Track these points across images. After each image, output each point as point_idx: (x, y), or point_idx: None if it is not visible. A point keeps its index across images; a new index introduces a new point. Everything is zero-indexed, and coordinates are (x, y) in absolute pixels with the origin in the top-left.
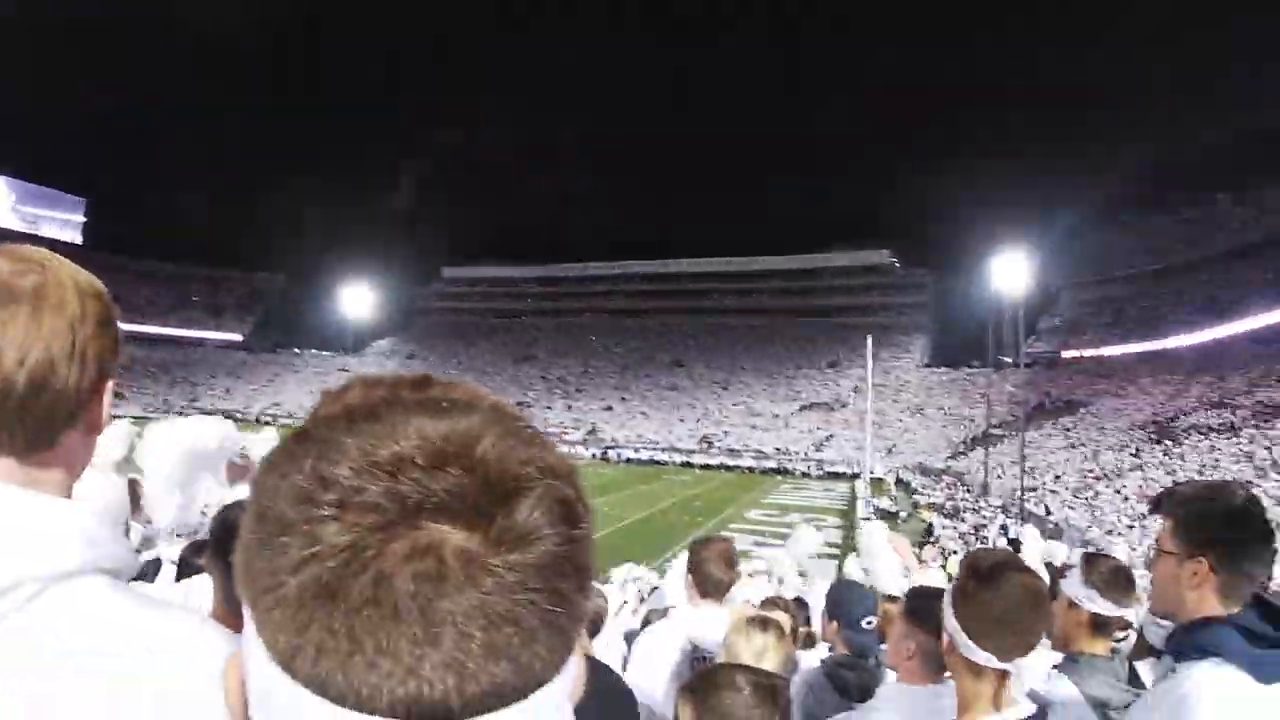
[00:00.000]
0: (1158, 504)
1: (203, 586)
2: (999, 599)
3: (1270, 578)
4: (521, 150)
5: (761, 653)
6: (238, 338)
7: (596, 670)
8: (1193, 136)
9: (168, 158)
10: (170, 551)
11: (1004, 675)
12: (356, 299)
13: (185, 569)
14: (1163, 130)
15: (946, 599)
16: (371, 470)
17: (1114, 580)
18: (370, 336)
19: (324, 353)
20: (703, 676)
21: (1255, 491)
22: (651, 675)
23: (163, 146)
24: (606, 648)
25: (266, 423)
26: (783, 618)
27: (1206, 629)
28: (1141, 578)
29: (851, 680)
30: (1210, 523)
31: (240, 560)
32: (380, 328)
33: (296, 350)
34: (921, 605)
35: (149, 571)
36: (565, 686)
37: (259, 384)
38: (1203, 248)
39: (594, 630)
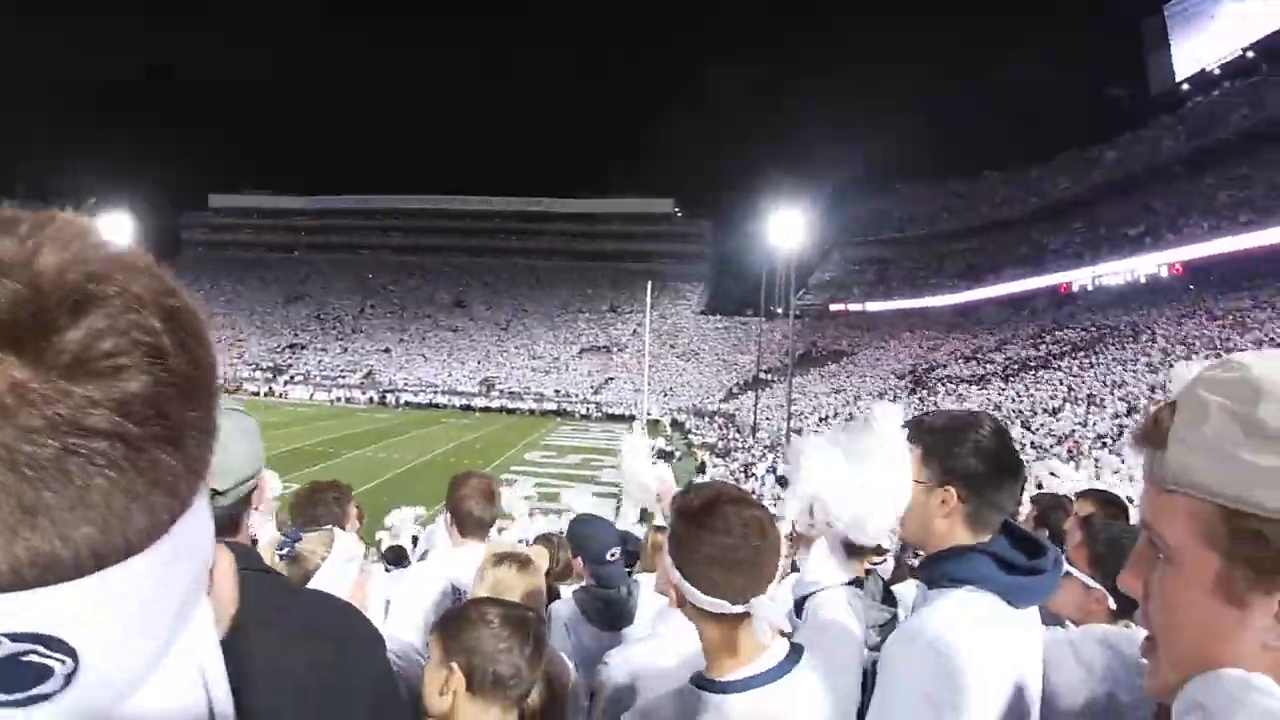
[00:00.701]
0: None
1: None
2: (715, 539)
3: (1020, 505)
4: (297, 72)
5: (505, 587)
6: None
7: (328, 608)
8: (967, 118)
9: None
10: None
11: (743, 618)
12: (114, 228)
13: None
14: (939, 110)
15: (667, 549)
16: None
17: None
18: None
19: None
20: (450, 613)
21: None
22: (410, 619)
23: None
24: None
25: None
26: (539, 552)
27: (958, 558)
28: None
29: (603, 610)
30: (958, 453)
31: None
32: None
33: None
34: None
35: None
36: (167, 577)
37: None
38: (966, 219)
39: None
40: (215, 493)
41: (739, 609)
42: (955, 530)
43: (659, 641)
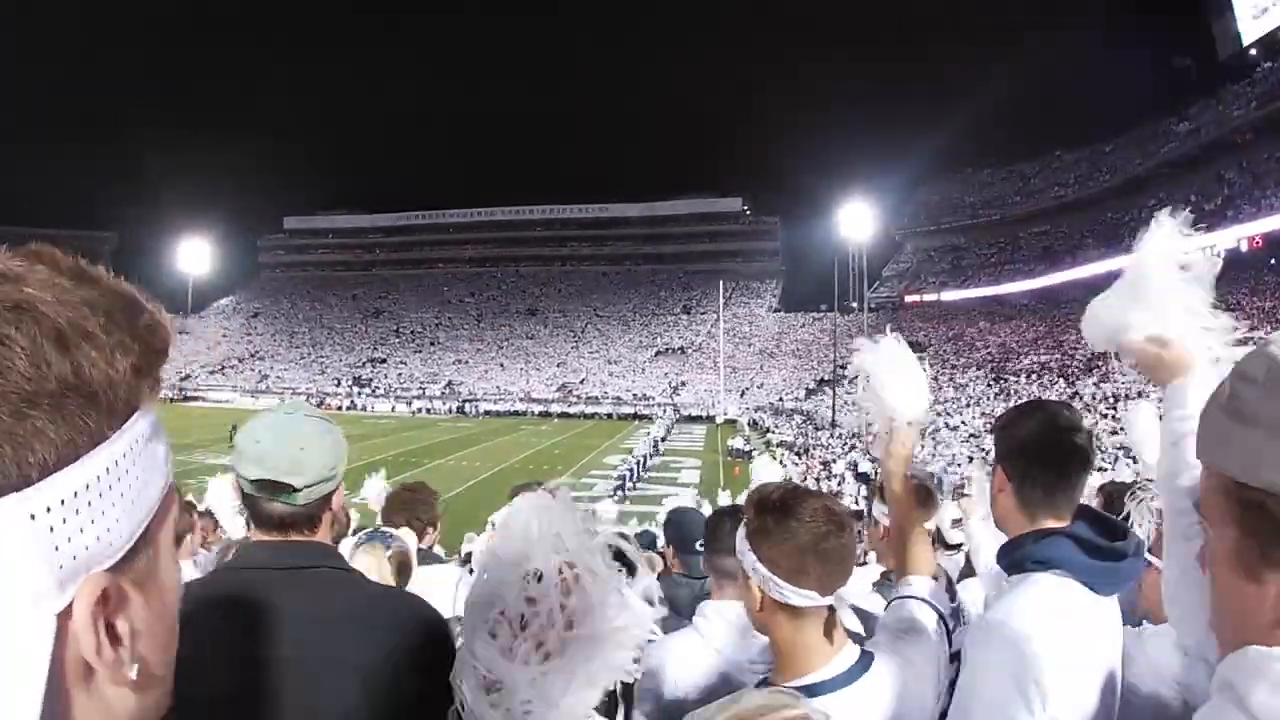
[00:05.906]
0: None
1: None
2: (805, 527)
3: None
4: (367, 92)
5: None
6: None
7: (404, 602)
8: (1034, 96)
9: None
10: None
11: (820, 616)
12: (194, 255)
13: None
14: (1005, 89)
15: (741, 546)
16: None
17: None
18: (211, 295)
19: None
20: None
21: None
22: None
23: None
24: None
25: None
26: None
27: (1039, 541)
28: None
29: (683, 596)
30: (1010, 434)
31: None
32: (222, 285)
33: None
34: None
35: None
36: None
37: None
38: (1039, 201)
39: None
40: (291, 489)
41: (827, 600)
42: (1009, 510)
43: (694, 631)
